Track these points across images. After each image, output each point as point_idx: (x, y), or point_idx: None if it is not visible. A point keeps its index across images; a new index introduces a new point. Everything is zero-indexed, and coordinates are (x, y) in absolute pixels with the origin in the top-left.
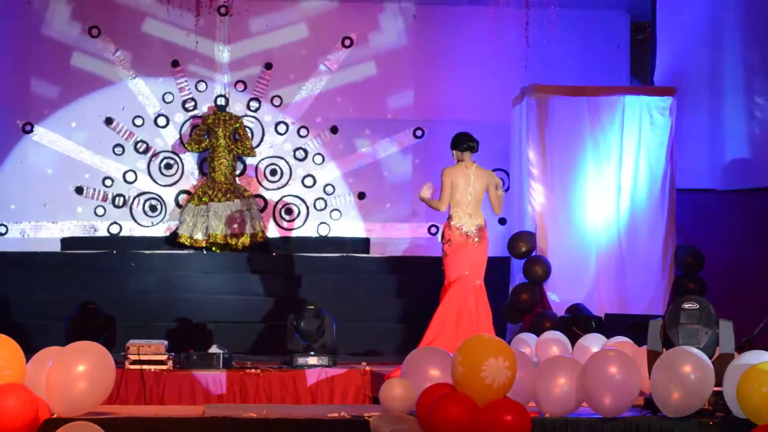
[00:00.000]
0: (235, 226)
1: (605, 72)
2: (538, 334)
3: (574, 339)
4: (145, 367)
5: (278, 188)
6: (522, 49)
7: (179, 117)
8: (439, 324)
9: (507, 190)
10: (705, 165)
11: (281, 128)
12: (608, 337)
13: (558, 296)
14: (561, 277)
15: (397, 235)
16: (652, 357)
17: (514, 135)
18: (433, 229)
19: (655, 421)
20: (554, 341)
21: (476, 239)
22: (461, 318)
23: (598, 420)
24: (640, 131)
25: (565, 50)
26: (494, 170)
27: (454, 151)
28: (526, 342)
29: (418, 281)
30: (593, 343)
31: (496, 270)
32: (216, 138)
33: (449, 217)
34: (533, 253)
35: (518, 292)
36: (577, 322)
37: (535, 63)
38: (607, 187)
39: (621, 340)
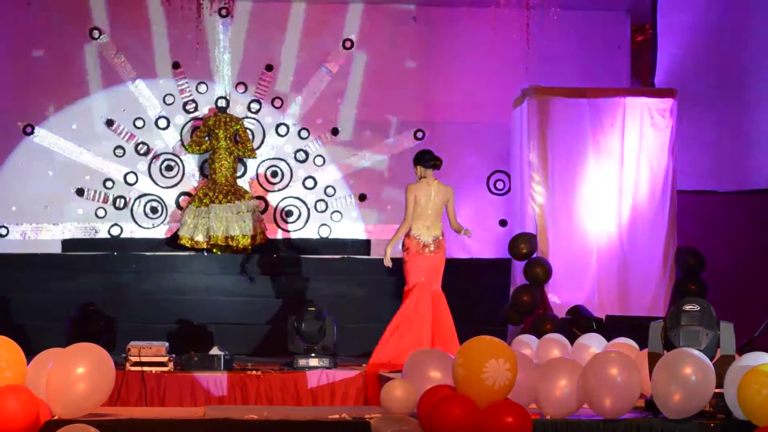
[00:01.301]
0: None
1: (606, 73)
2: (539, 336)
3: (574, 341)
4: (145, 368)
5: (279, 190)
6: (522, 51)
7: (180, 119)
8: (396, 325)
9: (508, 191)
10: (706, 166)
11: (282, 130)
12: (609, 338)
13: (559, 298)
14: (562, 279)
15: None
16: (653, 358)
17: (515, 136)
18: None
19: (655, 423)
20: (555, 343)
21: (432, 248)
22: (417, 320)
23: (599, 421)
24: (640, 133)
25: (565, 51)
26: (494, 172)
27: (418, 167)
28: (527, 344)
29: None
30: (592, 342)
31: (496, 271)
32: (217, 140)
33: (409, 228)
34: (534, 255)
35: (519, 293)
36: (578, 323)
37: (536, 64)
38: (608, 188)
39: (623, 342)
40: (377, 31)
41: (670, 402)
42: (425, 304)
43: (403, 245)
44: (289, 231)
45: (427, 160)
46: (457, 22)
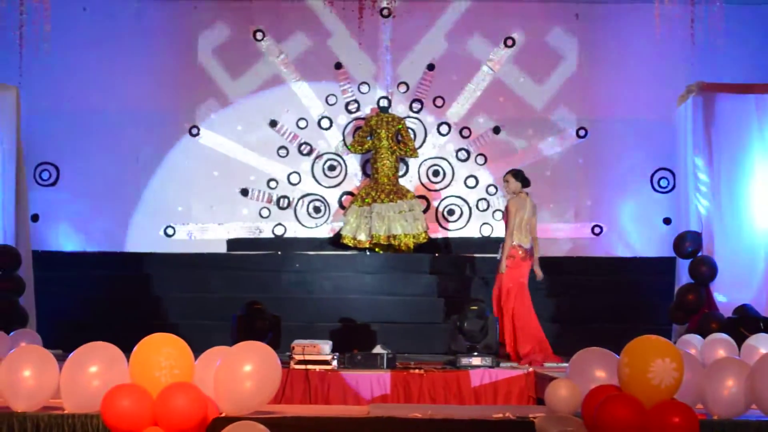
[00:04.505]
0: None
1: None
2: (704, 335)
3: (741, 340)
4: (309, 367)
5: (441, 189)
6: (687, 47)
7: (342, 119)
8: (517, 325)
9: (672, 189)
10: None
11: (443, 129)
12: None
13: (725, 297)
14: (728, 278)
15: (560, 236)
16: None
17: (680, 134)
18: (597, 229)
19: None
20: (720, 343)
21: (529, 253)
22: (530, 318)
23: None
24: None
25: (731, 47)
26: (658, 169)
27: (518, 183)
28: (692, 343)
29: (578, 281)
30: (762, 343)
31: (661, 270)
32: (379, 139)
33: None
34: (699, 253)
35: (684, 292)
36: (744, 323)
37: (701, 60)
38: None
39: None
40: (539, 29)
41: None
42: (527, 302)
43: (508, 253)
44: (451, 230)
45: (526, 179)
46: (620, 19)
